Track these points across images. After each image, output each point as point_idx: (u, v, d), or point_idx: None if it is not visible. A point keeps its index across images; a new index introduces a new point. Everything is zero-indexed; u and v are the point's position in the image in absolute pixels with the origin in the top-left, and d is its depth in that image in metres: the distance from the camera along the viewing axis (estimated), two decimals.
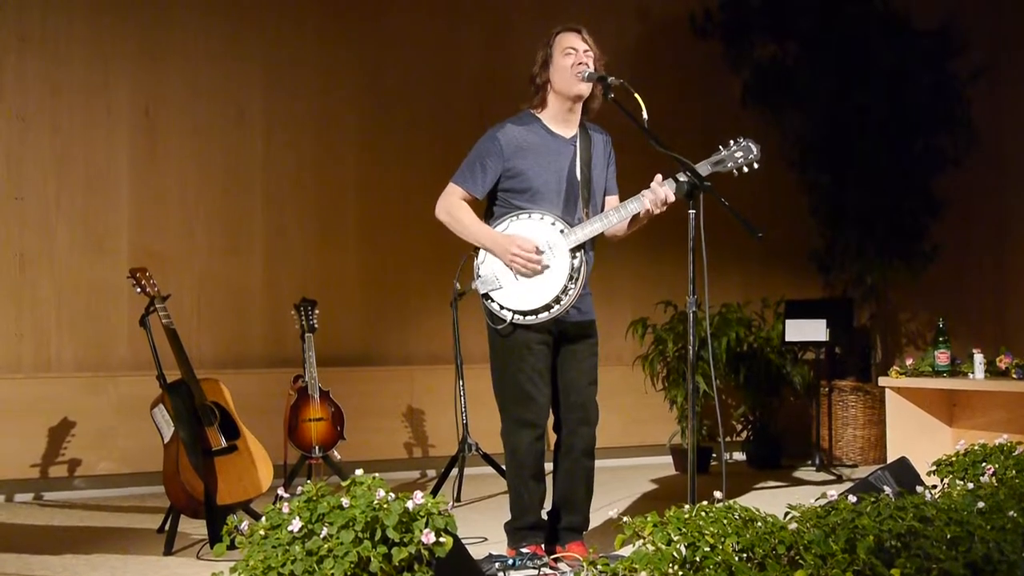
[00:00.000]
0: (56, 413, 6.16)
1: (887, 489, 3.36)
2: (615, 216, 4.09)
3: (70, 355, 6.40)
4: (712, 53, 7.71)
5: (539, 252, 4.03)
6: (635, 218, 4.14)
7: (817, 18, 7.54)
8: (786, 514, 3.03)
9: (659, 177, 4.05)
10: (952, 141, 7.60)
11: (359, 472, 2.96)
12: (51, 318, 6.38)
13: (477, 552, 4.01)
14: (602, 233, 4.15)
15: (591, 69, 4.10)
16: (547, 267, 4.04)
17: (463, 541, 3.02)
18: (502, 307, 4.09)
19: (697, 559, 2.73)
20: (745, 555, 2.78)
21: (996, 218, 8.30)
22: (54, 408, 6.16)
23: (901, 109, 7.49)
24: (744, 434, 7.53)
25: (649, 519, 2.88)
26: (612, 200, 4.33)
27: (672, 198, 4.03)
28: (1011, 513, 3.17)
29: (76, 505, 5.91)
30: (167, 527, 4.68)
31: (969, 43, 7.58)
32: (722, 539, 2.77)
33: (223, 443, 4.71)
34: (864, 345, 7.85)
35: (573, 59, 4.10)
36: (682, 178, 3.88)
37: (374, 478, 2.91)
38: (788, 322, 7.04)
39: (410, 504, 2.79)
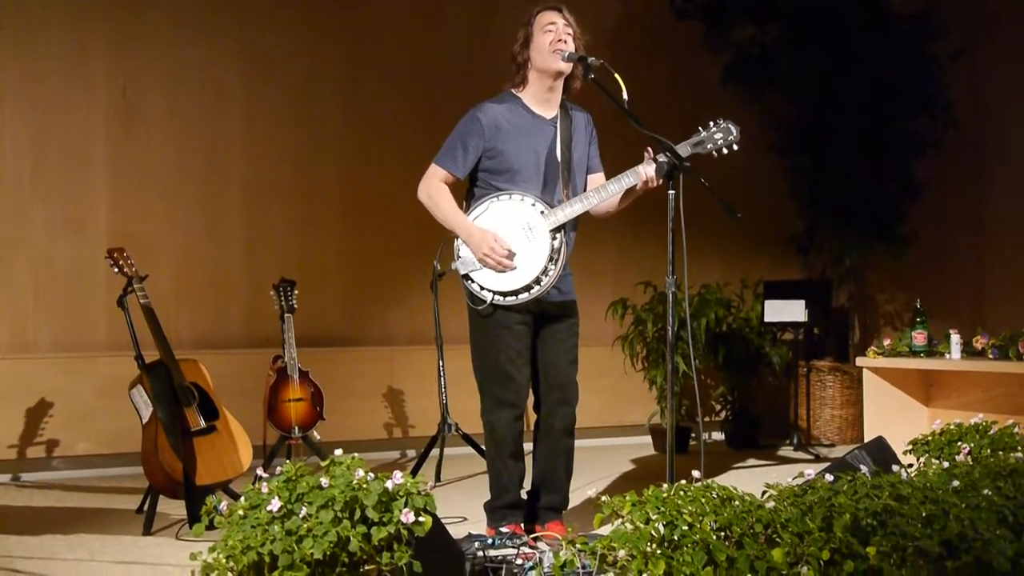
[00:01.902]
0: (34, 394, 6.13)
1: (864, 468, 3.39)
2: (595, 197, 4.09)
3: (48, 336, 6.37)
4: (692, 34, 7.70)
5: (511, 256, 4.04)
6: (629, 191, 4.13)
7: (797, 0, 7.54)
8: (763, 493, 3.06)
9: (650, 150, 4.03)
10: (931, 124, 7.62)
11: (339, 452, 2.96)
12: (28, 299, 6.35)
13: (457, 532, 4.02)
14: (588, 212, 4.15)
15: (571, 48, 4.09)
16: (516, 268, 4.05)
17: (443, 521, 3.03)
18: (482, 288, 4.10)
19: (675, 537, 2.75)
20: (723, 533, 2.80)
21: (974, 201, 8.33)
22: (32, 389, 6.13)
23: (881, 92, 7.51)
24: (723, 414, 7.57)
25: (628, 498, 2.90)
26: (597, 178, 4.32)
27: (654, 177, 4.03)
28: (986, 492, 3.20)
29: (54, 486, 5.89)
30: (146, 507, 4.67)
31: (948, 26, 7.59)
32: (700, 518, 2.79)
33: (202, 423, 4.70)
34: (842, 326, 7.89)
35: (552, 36, 4.09)
36: (662, 159, 3.89)
37: (353, 458, 2.92)
38: (767, 303, 7.07)
39: (389, 484, 2.79)
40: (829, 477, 3.17)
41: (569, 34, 4.11)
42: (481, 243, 4.05)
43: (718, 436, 7.66)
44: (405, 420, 6.97)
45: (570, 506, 4.41)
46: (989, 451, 3.90)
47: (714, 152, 4.04)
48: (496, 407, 4.18)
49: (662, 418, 7.02)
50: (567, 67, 4.12)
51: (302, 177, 7.02)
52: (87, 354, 6.34)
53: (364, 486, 2.78)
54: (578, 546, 2.92)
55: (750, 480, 5.37)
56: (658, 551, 2.73)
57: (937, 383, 6.17)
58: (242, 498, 2.90)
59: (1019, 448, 3.88)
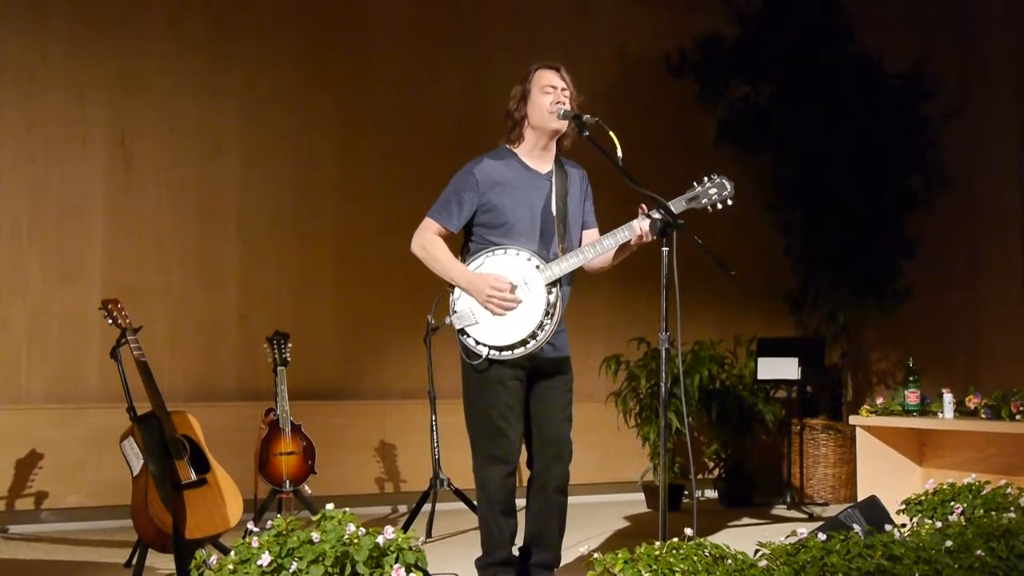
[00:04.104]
0: (24, 445, 6.09)
1: (857, 527, 3.38)
2: (591, 252, 4.10)
3: (39, 386, 6.35)
4: (687, 93, 7.79)
5: (514, 290, 4.04)
6: (624, 246, 4.14)
7: (791, 60, 7.63)
8: (756, 551, 3.04)
9: (644, 206, 4.04)
10: (923, 182, 7.69)
11: (330, 507, 2.95)
12: (22, 349, 6.34)
13: None
14: (582, 267, 4.16)
15: (567, 107, 4.14)
16: (521, 303, 4.05)
17: None
18: (478, 343, 4.09)
19: None
20: None
21: (966, 259, 8.39)
22: (22, 440, 6.10)
23: (874, 150, 7.59)
24: (716, 471, 7.55)
25: (620, 556, 2.88)
26: (591, 233, 4.35)
27: (649, 232, 4.04)
28: (979, 552, 3.19)
29: (42, 538, 5.84)
30: (135, 561, 4.63)
31: (940, 86, 7.69)
32: None
33: (193, 476, 4.68)
34: (835, 384, 7.90)
35: (551, 97, 4.13)
36: (656, 215, 3.91)
37: (345, 513, 2.90)
38: (760, 360, 7.08)
39: (381, 539, 2.78)
40: (822, 536, 3.16)
41: (566, 95, 4.15)
42: (482, 287, 4.04)
43: (711, 494, 7.63)
44: (397, 475, 6.93)
45: (562, 563, 4.37)
46: (982, 511, 3.89)
47: (708, 207, 4.07)
48: (488, 463, 4.16)
49: (655, 475, 6.99)
50: (563, 125, 4.16)
51: (297, 229, 7.06)
52: (79, 405, 6.32)
53: (355, 541, 2.77)
54: None
55: (743, 538, 5.34)
56: None
57: (930, 442, 6.16)
58: (232, 552, 2.88)
59: (1012, 508, 3.87)
